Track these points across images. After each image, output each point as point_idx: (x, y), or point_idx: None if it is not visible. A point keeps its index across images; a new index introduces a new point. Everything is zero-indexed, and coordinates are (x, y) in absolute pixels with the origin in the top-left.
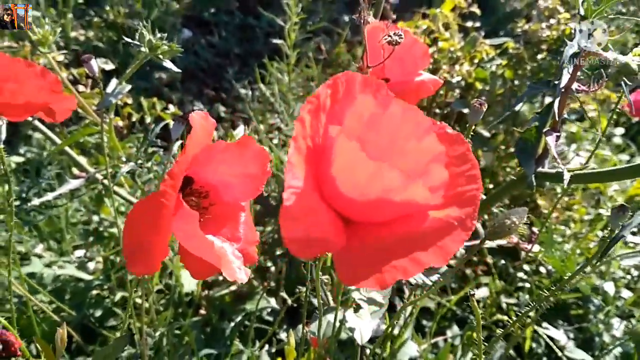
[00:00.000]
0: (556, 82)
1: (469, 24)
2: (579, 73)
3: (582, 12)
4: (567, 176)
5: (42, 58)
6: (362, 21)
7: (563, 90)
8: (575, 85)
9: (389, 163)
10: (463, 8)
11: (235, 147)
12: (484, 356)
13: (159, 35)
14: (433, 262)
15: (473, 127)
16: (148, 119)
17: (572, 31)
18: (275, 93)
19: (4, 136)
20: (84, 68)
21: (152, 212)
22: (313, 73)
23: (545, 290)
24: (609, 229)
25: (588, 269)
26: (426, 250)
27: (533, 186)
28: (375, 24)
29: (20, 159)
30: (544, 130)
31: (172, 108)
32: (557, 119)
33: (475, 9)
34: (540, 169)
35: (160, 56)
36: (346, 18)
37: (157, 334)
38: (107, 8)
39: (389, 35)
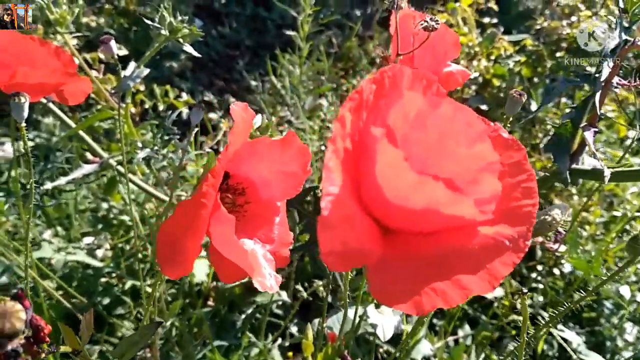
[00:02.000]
0: (596, 75)
1: (486, 20)
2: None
3: (622, 5)
4: (607, 173)
5: (55, 42)
6: (395, 6)
7: (603, 84)
8: (615, 80)
9: (435, 169)
10: (480, 4)
11: (279, 144)
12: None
13: (179, 18)
14: (478, 289)
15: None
16: (161, 107)
17: (611, 24)
18: (286, 85)
19: (26, 114)
20: (96, 53)
21: (190, 213)
22: (324, 66)
23: (578, 292)
24: None
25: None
26: (472, 273)
27: (567, 183)
28: (406, 11)
29: (29, 144)
30: (582, 125)
31: (184, 96)
32: (598, 113)
33: (492, 5)
34: (574, 166)
35: (181, 40)
36: (358, 12)
37: (168, 323)
38: None
39: (426, 21)
